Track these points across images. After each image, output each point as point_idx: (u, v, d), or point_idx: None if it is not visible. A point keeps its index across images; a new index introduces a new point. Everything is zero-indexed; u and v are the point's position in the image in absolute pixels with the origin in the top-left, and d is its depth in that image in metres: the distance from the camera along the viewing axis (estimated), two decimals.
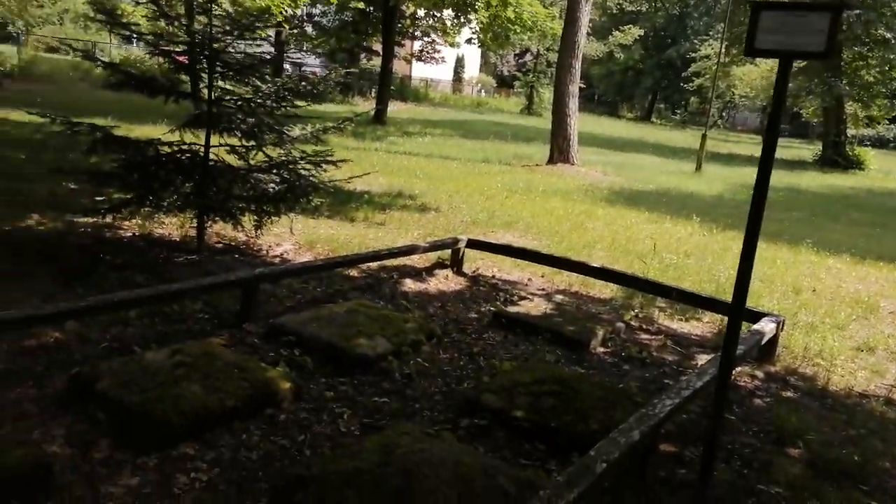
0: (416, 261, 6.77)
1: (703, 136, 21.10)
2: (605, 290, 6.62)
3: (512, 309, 5.57)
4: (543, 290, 6.52)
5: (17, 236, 5.80)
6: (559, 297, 6.30)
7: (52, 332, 4.11)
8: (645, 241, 8.72)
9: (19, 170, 8.55)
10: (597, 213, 10.83)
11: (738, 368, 4.82)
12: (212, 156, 6.10)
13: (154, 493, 2.79)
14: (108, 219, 6.64)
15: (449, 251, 6.72)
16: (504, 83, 55.95)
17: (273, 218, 6.54)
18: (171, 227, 6.96)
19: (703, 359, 5.01)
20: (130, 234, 6.54)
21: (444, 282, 6.39)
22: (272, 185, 6.19)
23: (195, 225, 6.32)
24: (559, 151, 16.48)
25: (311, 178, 6.34)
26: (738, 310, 3.14)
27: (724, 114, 53.30)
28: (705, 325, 5.91)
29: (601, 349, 5.09)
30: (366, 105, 29.21)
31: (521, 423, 3.57)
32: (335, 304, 5.14)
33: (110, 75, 6.01)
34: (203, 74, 6.06)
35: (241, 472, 3.01)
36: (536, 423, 3.57)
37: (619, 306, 6.20)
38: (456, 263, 6.73)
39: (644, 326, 5.74)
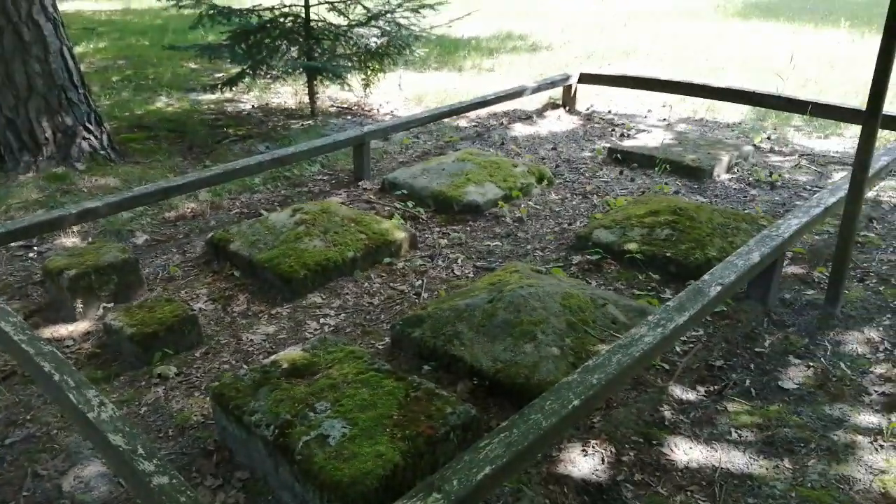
0: (525, 104, 6.58)
1: None
2: (733, 113, 6.16)
3: (627, 143, 5.33)
4: (664, 120, 6.17)
5: (149, 118, 6.19)
6: (681, 127, 5.94)
7: (189, 203, 4.45)
8: (783, 56, 7.90)
9: (145, 55, 8.98)
10: (728, 30, 9.87)
11: (882, 183, 4.41)
12: (312, 15, 6.08)
13: (289, 338, 3.06)
14: (228, 94, 6.93)
15: (560, 89, 6.44)
16: None
17: (380, 74, 6.53)
18: (286, 95, 7.14)
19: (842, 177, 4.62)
20: (249, 106, 6.79)
21: (556, 122, 6.18)
22: (373, 38, 6.12)
23: (307, 91, 6.45)
24: None
25: (411, 28, 6.18)
26: (874, 114, 2.81)
27: None
28: (847, 140, 5.39)
29: (726, 176, 4.81)
30: None
31: (634, 256, 3.51)
32: (444, 155, 5.15)
33: None
34: None
35: (364, 316, 3.22)
36: (649, 255, 3.51)
37: (748, 129, 5.77)
38: (568, 102, 6.47)
39: (776, 148, 5.33)
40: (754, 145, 5.33)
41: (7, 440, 2.45)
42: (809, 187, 4.55)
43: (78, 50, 5.50)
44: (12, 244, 3.80)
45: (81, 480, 2.26)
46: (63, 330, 3.11)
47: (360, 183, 4.81)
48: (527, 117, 6.29)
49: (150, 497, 1.77)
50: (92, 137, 5.02)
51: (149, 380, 2.76)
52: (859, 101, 5.92)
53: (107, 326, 2.96)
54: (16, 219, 4.09)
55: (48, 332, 3.08)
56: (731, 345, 2.92)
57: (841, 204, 3.35)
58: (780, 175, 4.74)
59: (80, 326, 3.13)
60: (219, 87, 6.23)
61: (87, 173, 4.83)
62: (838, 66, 7.41)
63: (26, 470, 2.31)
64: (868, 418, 2.47)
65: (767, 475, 2.23)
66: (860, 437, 2.38)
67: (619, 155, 5.10)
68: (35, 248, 3.88)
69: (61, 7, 4.86)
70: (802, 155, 5.13)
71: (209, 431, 2.45)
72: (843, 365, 2.78)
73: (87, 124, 4.99)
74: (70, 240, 3.96)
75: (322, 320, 3.19)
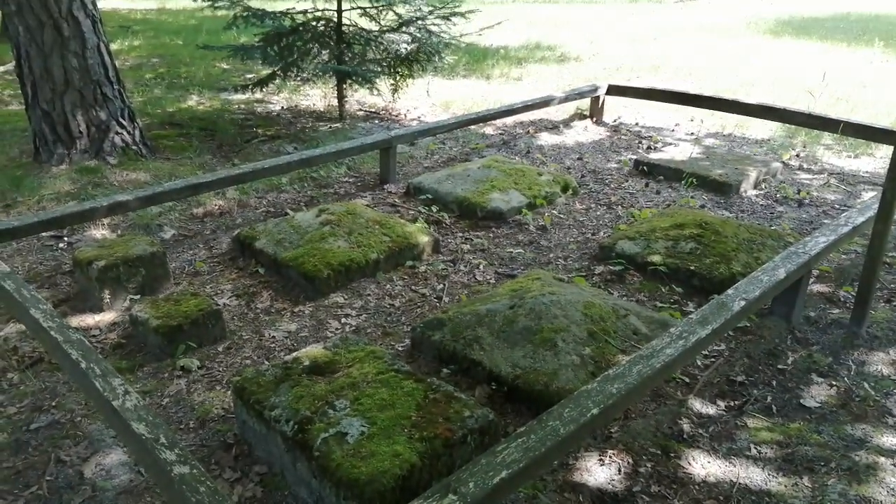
0: (552, 114, 6.58)
1: None
2: (762, 129, 6.11)
3: (654, 155, 5.31)
4: (692, 134, 6.13)
5: (181, 116, 6.29)
6: (709, 141, 5.91)
7: (217, 200, 4.51)
8: (814, 73, 7.83)
9: (179, 54, 9.13)
10: (759, 47, 9.80)
11: None
12: (345, 20, 6.14)
13: (311, 336, 3.09)
14: (259, 94, 7.02)
15: (588, 100, 6.44)
16: None
17: (408, 80, 6.57)
18: (315, 98, 7.21)
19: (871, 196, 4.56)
20: (279, 107, 6.87)
21: (583, 133, 6.18)
22: (404, 45, 6.16)
23: (336, 94, 6.51)
24: None
25: (441, 35, 6.22)
26: None
27: None
28: (878, 160, 5.32)
29: (753, 192, 4.77)
30: None
31: (658, 268, 3.50)
32: (470, 161, 5.17)
33: None
34: None
35: (385, 318, 3.24)
36: (673, 268, 3.49)
37: (777, 146, 5.72)
38: (596, 113, 6.46)
39: (805, 166, 5.27)
40: (783, 162, 5.28)
41: (32, 425, 2.49)
42: (838, 206, 4.50)
43: (113, 47, 5.61)
44: (44, 234, 3.88)
45: (103, 468, 2.30)
46: (90, 319, 3.17)
47: (385, 186, 4.85)
48: (553, 127, 6.29)
49: (170, 486, 1.80)
50: (125, 132, 5.11)
51: (172, 372, 2.81)
52: (891, 120, 5.85)
53: (133, 318, 3.01)
54: (48, 209, 4.18)
55: (76, 321, 3.14)
56: (753, 360, 2.89)
57: (870, 223, 3.30)
58: (808, 193, 4.69)
59: (107, 317, 3.19)
60: (250, 87, 6.32)
61: (119, 167, 4.92)
62: (871, 86, 7.32)
63: (50, 455, 2.35)
64: (891, 440, 2.44)
65: (786, 493, 2.20)
66: (882, 459, 2.34)
67: (645, 167, 5.08)
68: (66, 238, 3.96)
69: (98, 5, 4.96)
70: (832, 173, 5.07)
71: (229, 425, 2.48)
72: (866, 385, 2.74)
73: (121, 119, 5.09)
74: (100, 232, 4.03)
75: (343, 320, 3.22)
